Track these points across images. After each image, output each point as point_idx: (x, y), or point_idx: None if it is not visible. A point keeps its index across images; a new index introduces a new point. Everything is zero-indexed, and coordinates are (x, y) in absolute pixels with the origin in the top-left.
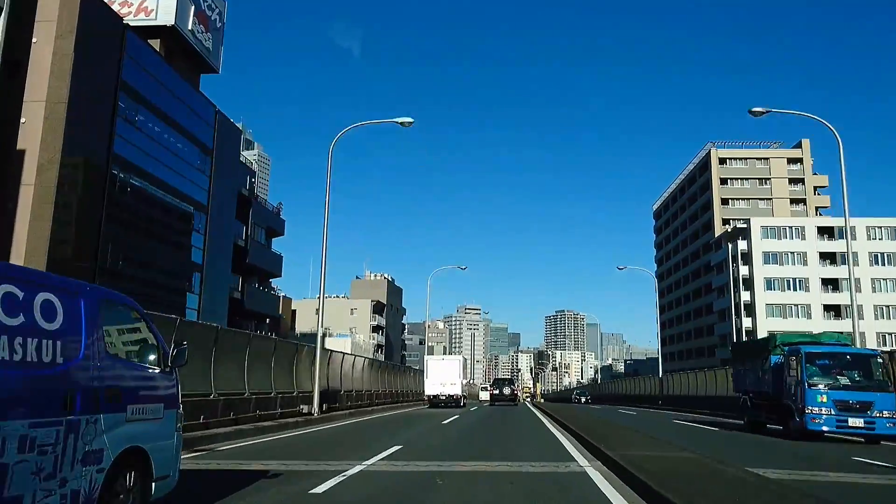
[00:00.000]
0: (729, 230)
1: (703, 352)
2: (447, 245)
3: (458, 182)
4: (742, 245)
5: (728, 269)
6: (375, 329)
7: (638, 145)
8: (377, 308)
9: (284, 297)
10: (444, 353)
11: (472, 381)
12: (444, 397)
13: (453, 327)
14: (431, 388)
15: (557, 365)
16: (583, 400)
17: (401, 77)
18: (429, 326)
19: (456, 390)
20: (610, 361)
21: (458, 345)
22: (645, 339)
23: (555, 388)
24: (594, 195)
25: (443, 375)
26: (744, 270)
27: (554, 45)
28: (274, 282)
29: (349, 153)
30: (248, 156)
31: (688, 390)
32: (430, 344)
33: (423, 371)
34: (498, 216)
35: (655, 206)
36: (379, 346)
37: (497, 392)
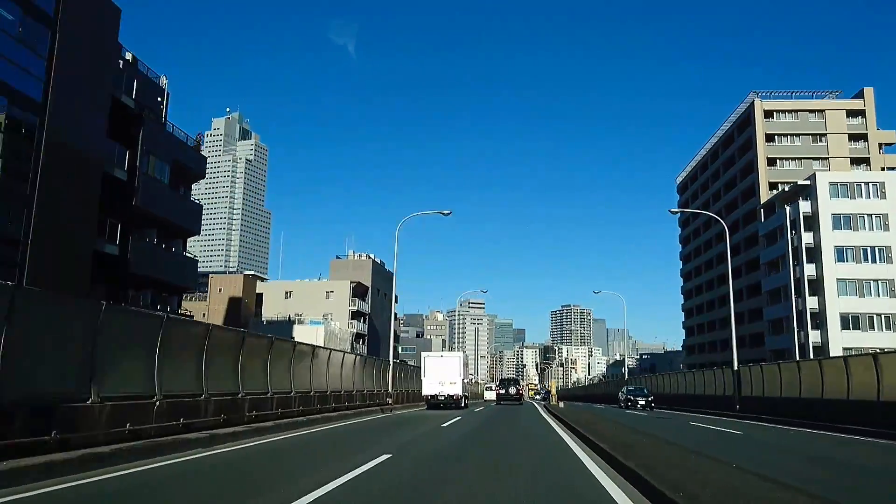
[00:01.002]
0: (785, 189)
1: (745, 341)
2: (448, 239)
3: (461, 174)
4: (804, 207)
5: (784, 238)
6: (356, 316)
7: (647, 131)
8: (358, 291)
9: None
10: (444, 348)
11: (475, 379)
12: (443, 398)
13: (456, 322)
14: (429, 387)
15: (564, 360)
16: (640, 403)
17: (398, 69)
18: (426, 318)
19: (456, 390)
20: (617, 356)
21: (461, 340)
22: (651, 334)
23: (562, 384)
24: (601, 186)
25: (442, 374)
26: (806, 239)
27: (554, 29)
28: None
29: (352, 145)
30: (245, 145)
31: (796, 391)
32: (427, 336)
33: (420, 368)
34: (501, 209)
35: (680, 179)
36: (360, 335)
37: (504, 392)
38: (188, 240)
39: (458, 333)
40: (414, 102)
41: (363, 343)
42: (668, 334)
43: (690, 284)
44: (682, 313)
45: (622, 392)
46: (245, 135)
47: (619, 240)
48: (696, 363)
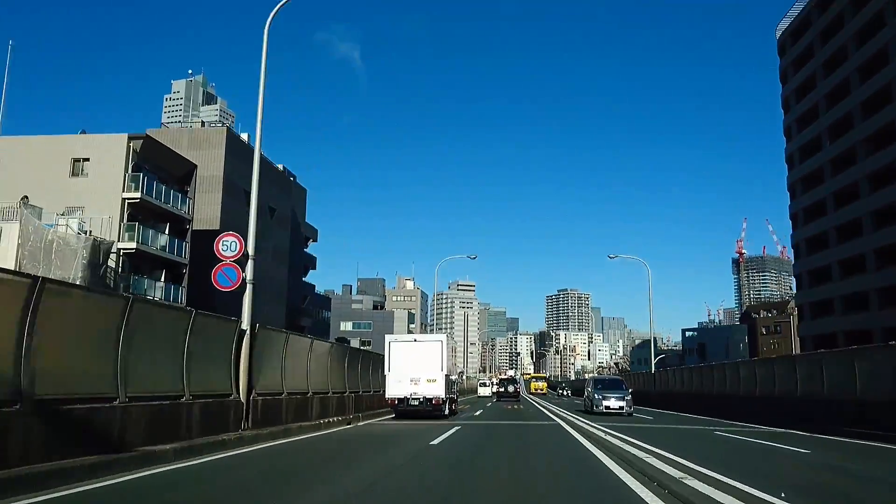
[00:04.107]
0: None
1: None
2: (438, 225)
3: (458, 157)
4: None
5: None
6: (145, 215)
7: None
8: (158, 164)
9: None
10: (412, 326)
11: (465, 372)
12: (416, 402)
13: (444, 306)
14: (396, 386)
15: (562, 347)
16: None
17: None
18: (389, 290)
19: (436, 390)
20: (620, 346)
21: (449, 326)
22: (645, 323)
23: (558, 373)
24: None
25: (415, 366)
26: None
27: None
28: None
29: (338, 118)
30: (209, 111)
31: None
32: (390, 309)
33: (385, 358)
34: (496, 195)
35: (785, 26)
36: (160, 261)
37: (503, 390)
38: None
39: (446, 319)
40: (402, 81)
41: (177, 282)
42: (662, 324)
43: (807, 200)
44: (791, 251)
45: None
46: (210, 99)
47: (616, 228)
48: (819, 334)
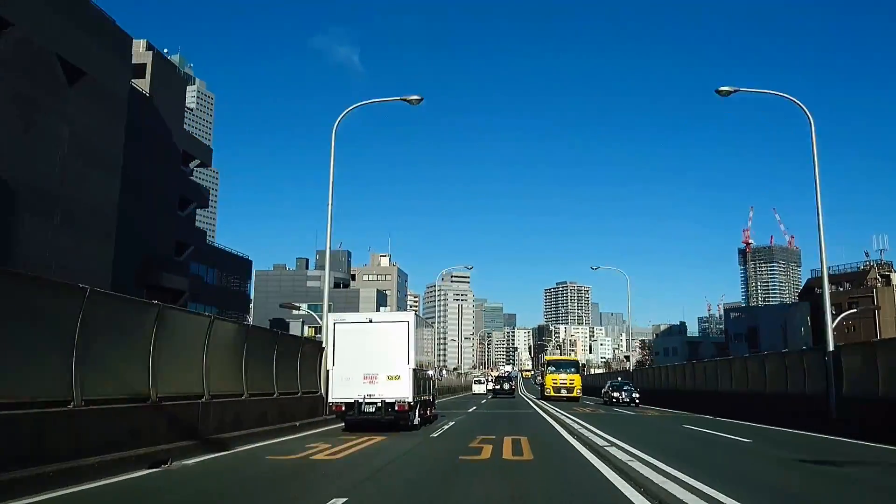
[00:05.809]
0: None
1: None
2: (431, 218)
3: (456, 153)
4: None
5: None
6: None
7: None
8: None
9: None
10: (382, 304)
11: (458, 368)
12: (372, 407)
13: (437, 298)
14: (343, 386)
15: (562, 342)
16: None
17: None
18: (356, 268)
19: (400, 390)
20: (623, 340)
21: (442, 320)
22: (645, 318)
23: None
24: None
25: (370, 357)
26: None
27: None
28: None
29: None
30: (188, 92)
31: None
32: (356, 287)
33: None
34: (492, 188)
35: None
36: None
37: (499, 387)
38: None
39: (439, 312)
40: (401, 80)
41: None
42: (661, 321)
43: None
44: None
45: None
46: (187, 80)
47: (615, 219)
48: None
